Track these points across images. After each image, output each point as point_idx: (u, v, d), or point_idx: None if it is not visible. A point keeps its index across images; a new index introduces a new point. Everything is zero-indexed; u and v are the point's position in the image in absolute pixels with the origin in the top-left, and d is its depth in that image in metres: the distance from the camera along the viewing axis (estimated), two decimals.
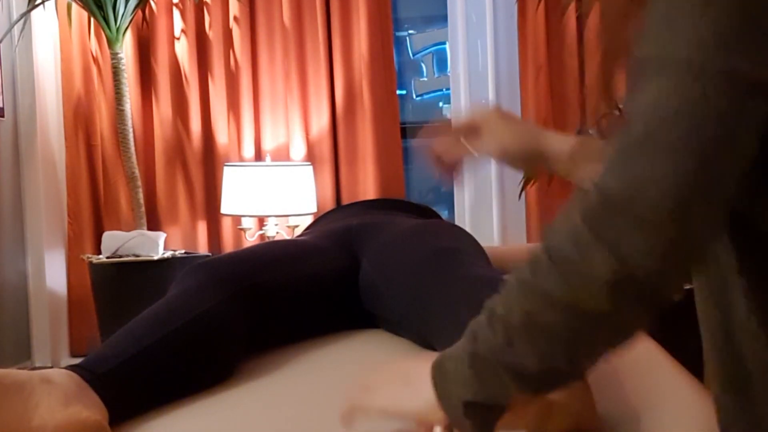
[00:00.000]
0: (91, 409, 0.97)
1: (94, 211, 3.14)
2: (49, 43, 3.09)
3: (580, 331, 0.59)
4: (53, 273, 3.08)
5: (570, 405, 0.82)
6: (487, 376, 0.63)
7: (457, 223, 3.04)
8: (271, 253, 1.50)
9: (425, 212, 1.98)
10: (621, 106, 0.68)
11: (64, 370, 1.02)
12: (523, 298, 0.61)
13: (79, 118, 3.11)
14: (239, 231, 3.06)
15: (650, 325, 0.61)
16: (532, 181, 2.84)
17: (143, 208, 2.92)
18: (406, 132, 3.28)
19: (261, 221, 3.05)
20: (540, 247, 0.61)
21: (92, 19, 3.00)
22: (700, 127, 0.54)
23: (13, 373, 0.96)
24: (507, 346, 0.62)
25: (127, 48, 3.04)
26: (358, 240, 1.61)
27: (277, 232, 2.96)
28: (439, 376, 0.68)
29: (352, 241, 1.60)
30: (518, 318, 0.61)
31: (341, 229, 1.66)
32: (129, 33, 3.03)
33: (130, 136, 2.89)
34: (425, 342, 1.34)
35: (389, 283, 1.44)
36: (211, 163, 3.15)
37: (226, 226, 3.13)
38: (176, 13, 3.14)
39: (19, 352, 3.00)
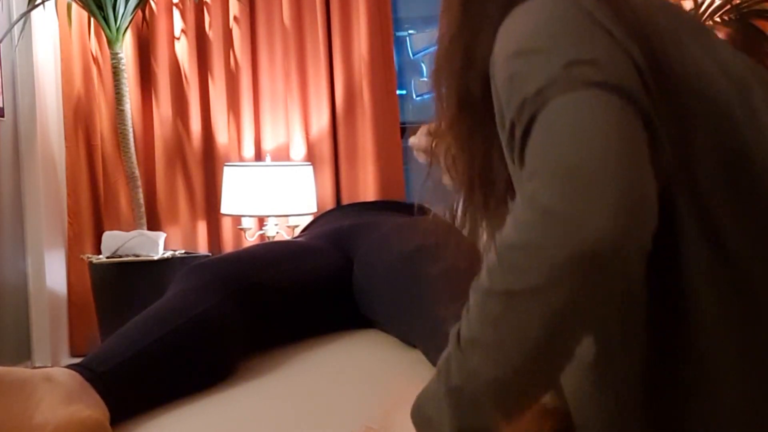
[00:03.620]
0: (92, 407, 0.97)
1: (94, 211, 3.14)
2: (49, 43, 3.09)
3: (548, 323, 0.56)
4: (53, 273, 3.08)
5: (563, 406, 0.82)
6: (469, 409, 0.60)
7: None
8: (270, 253, 1.51)
9: (421, 212, 1.98)
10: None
11: (65, 369, 1.02)
12: (488, 308, 0.58)
13: (79, 118, 3.11)
14: (239, 231, 3.06)
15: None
16: None
17: (143, 208, 2.92)
18: (406, 132, 3.28)
19: (261, 221, 3.05)
20: (488, 258, 0.59)
21: (92, 19, 3.01)
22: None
23: (15, 371, 0.96)
24: (482, 365, 0.58)
25: (127, 48, 3.04)
26: (349, 241, 1.62)
27: (277, 232, 2.96)
28: (422, 425, 0.65)
29: (344, 243, 1.62)
30: (488, 330, 0.58)
31: (334, 231, 1.68)
32: (129, 33, 3.04)
33: (130, 136, 2.89)
34: (408, 342, 1.35)
35: (372, 286, 1.45)
36: (211, 163, 3.15)
37: (226, 226, 3.13)
38: (176, 13, 3.14)
39: (19, 352, 3.00)
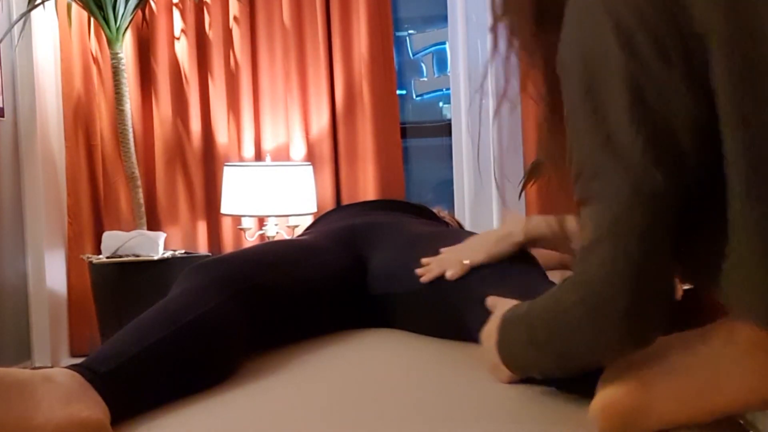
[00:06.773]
0: (92, 408, 0.97)
1: (94, 211, 3.14)
2: (49, 43, 3.09)
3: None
4: (53, 273, 3.08)
5: None
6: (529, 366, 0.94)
7: None
8: (273, 253, 1.50)
9: (423, 212, 1.98)
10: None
11: (65, 370, 1.02)
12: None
13: (79, 118, 3.11)
14: (239, 231, 3.06)
15: None
16: (532, 181, 2.84)
17: (143, 208, 2.92)
18: (406, 132, 3.28)
19: (261, 221, 3.05)
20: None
21: (92, 19, 3.01)
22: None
23: (14, 371, 0.96)
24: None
25: (127, 48, 3.04)
26: (363, 239, 1.60)
27: (277, 232, 2.96)
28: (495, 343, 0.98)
29: (355, 241, 1.60)
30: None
31: (343, 229, 1.66)
32: (129, 33, 3.04)
33: (130, 136, 2.89)
34: (456, 307, 1.32)
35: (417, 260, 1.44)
36: (211, 163, 3.15)
37: (226, 226, 3.13)
38: (176, 13, 3.14)
39: (19, 352, 3.00)
